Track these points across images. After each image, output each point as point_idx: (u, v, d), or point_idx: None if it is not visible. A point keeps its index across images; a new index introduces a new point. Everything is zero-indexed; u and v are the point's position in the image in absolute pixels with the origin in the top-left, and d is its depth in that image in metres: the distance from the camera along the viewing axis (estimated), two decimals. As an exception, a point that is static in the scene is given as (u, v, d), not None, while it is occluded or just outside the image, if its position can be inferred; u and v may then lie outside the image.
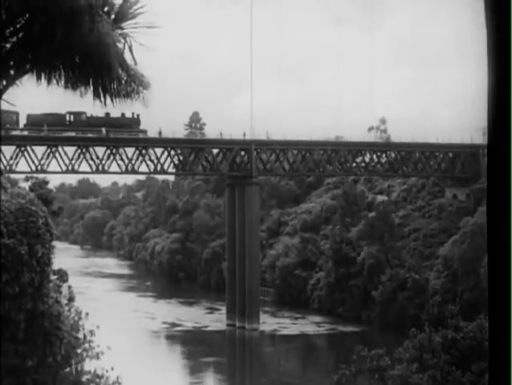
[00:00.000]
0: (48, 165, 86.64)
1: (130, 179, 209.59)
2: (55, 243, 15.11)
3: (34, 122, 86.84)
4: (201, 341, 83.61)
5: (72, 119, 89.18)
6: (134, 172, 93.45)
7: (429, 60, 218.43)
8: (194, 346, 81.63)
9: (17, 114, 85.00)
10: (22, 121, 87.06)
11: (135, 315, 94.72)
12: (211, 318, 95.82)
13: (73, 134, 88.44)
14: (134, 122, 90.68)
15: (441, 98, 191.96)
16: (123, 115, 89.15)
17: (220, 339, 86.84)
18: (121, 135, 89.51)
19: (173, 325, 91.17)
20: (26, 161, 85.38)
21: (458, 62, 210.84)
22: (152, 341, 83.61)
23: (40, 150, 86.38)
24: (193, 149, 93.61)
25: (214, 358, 76.91)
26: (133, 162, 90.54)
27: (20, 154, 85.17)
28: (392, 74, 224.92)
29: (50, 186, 36.02)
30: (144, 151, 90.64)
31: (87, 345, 15.38)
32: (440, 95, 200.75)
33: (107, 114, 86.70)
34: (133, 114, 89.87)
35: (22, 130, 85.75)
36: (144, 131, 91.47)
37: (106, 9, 8.28)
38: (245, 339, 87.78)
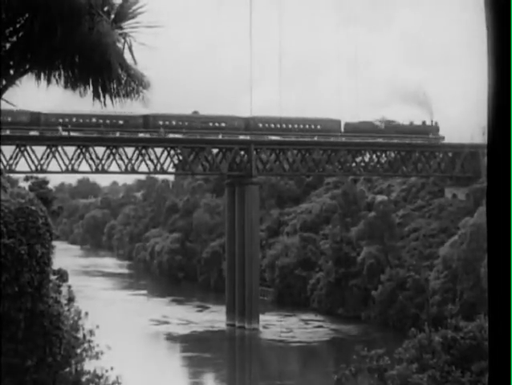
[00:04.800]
0: (48, 165, 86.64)
1: (130, 178, 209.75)
2: (55, 243, 15.10)
3: (352, 129, 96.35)
4: (182, 337, 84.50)
5: (383, 126, 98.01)
6: (134, 171, 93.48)
7: (432, 60, 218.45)
8: (177, 342, 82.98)
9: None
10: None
11: (124, 312, 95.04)
12: (199, 316, 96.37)
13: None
14: (434, 129, 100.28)
15: (443, 97, 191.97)
16: (423, 122, 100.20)
17: (206, 336, 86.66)
18: (409, 140, 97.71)
19: (159, 322, 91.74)
20: (26, 161, 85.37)
21: (460, 62, 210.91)
22: (136, 337, 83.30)
23: (40, 150, 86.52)
24: (192, 149, 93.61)
25: (194, 353, 77.59)
26: (133, 162, 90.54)
27: (20, 154, 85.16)
28: (392, 74, 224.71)
29: (50, 186, 35.99)
30: (143, 151, 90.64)
31: (86, 345, 15.37)
32: (442, 94, 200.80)
33: (411, 122, 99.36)
34: (432, 121, 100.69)
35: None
36: (443, 138, 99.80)
37: (106, 8, 8.27)
38: (245, 338, 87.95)
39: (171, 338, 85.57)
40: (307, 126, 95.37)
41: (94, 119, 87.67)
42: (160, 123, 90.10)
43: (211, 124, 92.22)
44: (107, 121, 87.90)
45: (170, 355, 79.31)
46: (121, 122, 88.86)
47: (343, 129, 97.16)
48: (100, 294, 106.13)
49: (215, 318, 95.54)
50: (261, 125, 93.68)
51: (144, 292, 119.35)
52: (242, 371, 79.27)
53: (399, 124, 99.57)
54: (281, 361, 78.77)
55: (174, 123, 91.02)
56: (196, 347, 79.72)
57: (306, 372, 70.75)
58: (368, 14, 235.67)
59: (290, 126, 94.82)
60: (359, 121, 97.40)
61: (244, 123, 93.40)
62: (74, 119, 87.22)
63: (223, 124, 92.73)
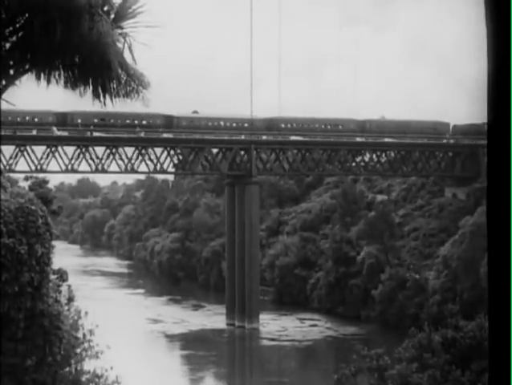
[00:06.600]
0: (48, 165, 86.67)
1: (130, 178, 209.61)
2: (55, 242, 15.10)
3: (459, 132, 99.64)
4: (175, 336, 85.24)
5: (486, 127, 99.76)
6: (134, 171, 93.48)
7: (433, 59, 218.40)
8: (169, 340, 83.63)
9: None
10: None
11: (119, 311, 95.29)
12: (193, 315, 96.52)
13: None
14: None
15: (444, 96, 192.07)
16: None
17: (200, 335, 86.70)
18: None
19: (154, 320, 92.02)
20: (26, 161, 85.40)
21: (461, 60, 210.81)
22: (131, 335, 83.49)
23: (40, 149, 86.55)
24: (192, 149, 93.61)
25: (186, 351, 78.27)
26: (133, 161, 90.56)
27: (20, 153, 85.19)
28: (390, 73, 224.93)
29: (50, 185, 35.99)
30: (143, 151, 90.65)
31: (86, 344, 15.37)
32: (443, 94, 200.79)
33: None
34: None
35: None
36: None
37: (106, 8, 8.27)
38: (245, 336, 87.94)
39: (164, 336, 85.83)
40: (420, 128, 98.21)
41: (222, 123, 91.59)
42: (282, 126, 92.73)
43: (329, 127, 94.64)
44: (234, 124, 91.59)
45: (162, 353, 79.44)
46: (246, 125, 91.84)
47: (451, 131, 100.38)
48: (99, 293, 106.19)
49: (210, 317, 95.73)
50: (376, 128, 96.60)
51: (142, 291, 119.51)
52: (231, 368, 79.43)
53: None
54: (273, 359, 79.02)
55: (295, 125, 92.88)
56: (188, 346, 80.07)
57: (295, 369, 71.26)
58: (373, 12, 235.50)
59: (403, 128, 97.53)
60: (468, 123, 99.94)
61: (360, 125, 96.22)
62: (203, 122, 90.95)
63: (340, 127, 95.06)
